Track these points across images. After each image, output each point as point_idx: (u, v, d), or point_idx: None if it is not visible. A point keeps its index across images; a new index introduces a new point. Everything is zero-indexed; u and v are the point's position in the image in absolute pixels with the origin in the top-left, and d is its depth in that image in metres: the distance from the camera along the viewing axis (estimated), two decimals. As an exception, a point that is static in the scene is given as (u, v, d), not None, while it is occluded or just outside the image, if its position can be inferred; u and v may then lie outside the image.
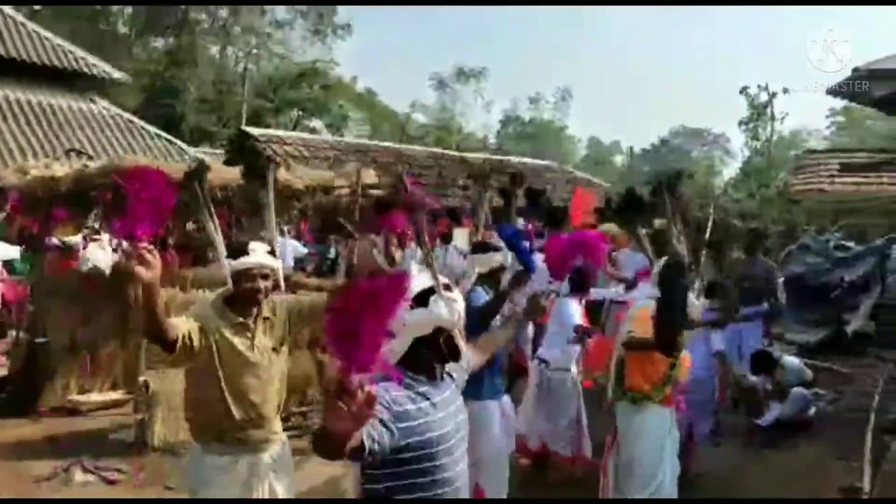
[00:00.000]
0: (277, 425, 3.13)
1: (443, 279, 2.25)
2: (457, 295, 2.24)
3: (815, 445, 6.02)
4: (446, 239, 8.08)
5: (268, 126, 27.65)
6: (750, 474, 5.47)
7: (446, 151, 20.18)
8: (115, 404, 6.83)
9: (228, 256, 2.95)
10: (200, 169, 3.96)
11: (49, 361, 6.73)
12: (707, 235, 4.48)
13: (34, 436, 6.05)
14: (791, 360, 6.75)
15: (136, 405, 5.70)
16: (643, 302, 4.03)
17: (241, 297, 2.95)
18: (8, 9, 14.88)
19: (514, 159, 20.62)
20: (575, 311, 5.14)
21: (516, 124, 53.18)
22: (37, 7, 30.61)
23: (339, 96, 40.44)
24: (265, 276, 2.98)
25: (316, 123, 39.03)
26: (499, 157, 21.77)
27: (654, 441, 3.97)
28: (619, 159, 63.45)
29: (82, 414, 6.64)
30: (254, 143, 13.84)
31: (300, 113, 38.43)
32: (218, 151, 19.58)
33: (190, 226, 9.01)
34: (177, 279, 7.09)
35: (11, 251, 8.93)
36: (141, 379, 5.60)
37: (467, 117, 51.19)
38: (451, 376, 2.35)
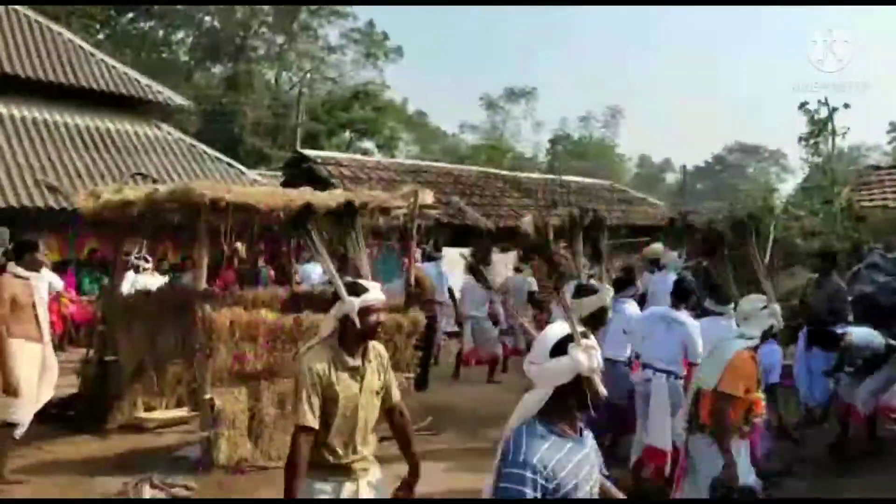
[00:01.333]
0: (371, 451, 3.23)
1: (580, 327, 2.31)
2: (594, 342, 2.29)
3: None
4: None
5: (321, 148, 28.16)
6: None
7: (498, 171, 20.17)
8: (180, 422, 6.99)
9: (351, 294, 3.04)
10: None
11: (117, 380, 6.91)
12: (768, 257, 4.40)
13: (103, 453, 6.21)
14: (859, 330, 6.41)
15: (201, 423, 5.80)
16: (737, 344, 3.96)
17: (362, 333, 3.07)
18: (76, 38, 15.56)
19: (569, 178, 20.51)
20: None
21: (566, 143, 52.95)
22: (100, 36, 31.94)
23: (391, 118, 40.94)
24: (380, 311, 3.14)
25: (368, 145, 39.60)
26: (552, 176, 21.70)
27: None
28: (670, 177, 62.55)
29: (149, 431, 6.81)
30: (311, 164, 14.11)
31: (353, 135, 39.06)
32: (275, 174, 20.00)
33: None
34: (239, 299, 7.26)
35: (56, 281, 9.19)
36: (206, 397, 5.70)
37: (517, 137, 51.30)
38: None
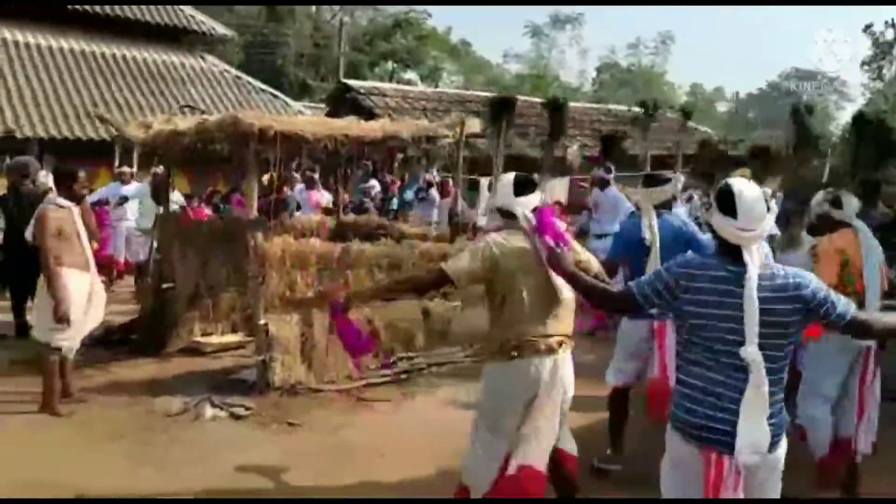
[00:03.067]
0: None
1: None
2: None
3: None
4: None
5: (364, 79, 27.90)
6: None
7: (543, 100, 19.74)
8: (235, 346, 7.24)
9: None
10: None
11: (174, 307, 7.16)
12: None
13: (163, 374, 6.48)
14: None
15: (256, 347, 6.00)
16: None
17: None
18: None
19: (615, 107, 20.03)
20: None
21: (614, 71, 51.47)
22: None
23: (433, 48, 40.23)
24: None
25: (411, 76, 39.11)
26: (597, 105, 21.20)
27: None
28: (721, 106, 60.56)
29: (205, 355, 7.06)
30: (355, 95, 14.02)
31: (395, 66, 38.57)
32: (318, 105, 19.97)
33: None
34: (288, 227, 7.42)
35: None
36: (261, 322, 5.87)
37: (563, 65, 50.05)
38: None
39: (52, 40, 13.22)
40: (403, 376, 6.43)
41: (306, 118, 6.75)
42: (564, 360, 3.26)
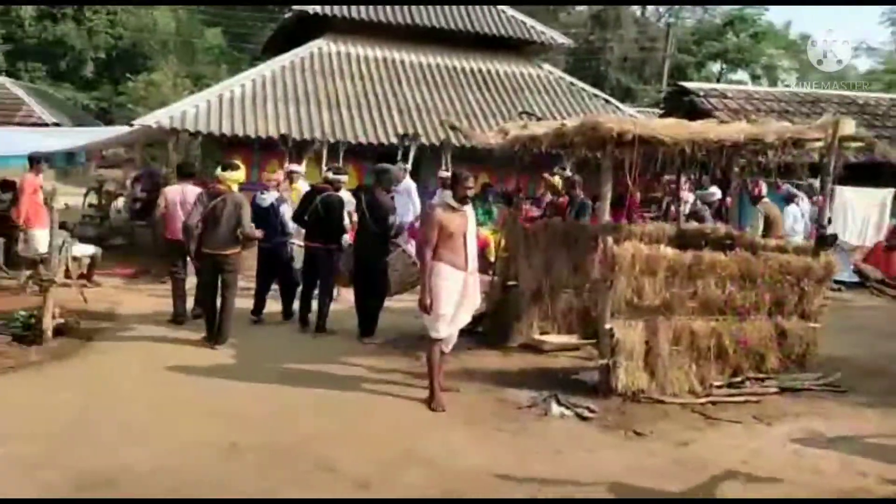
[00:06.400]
0: None
1: None
2: None
3: None
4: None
5: (690, 80, 26.79)
6: None
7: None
8: (572, 348, 7.37)
9: None
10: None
11: (518, 303, 7.52)
12: None
13: (507, 367, 6.83)
14: None
15: (601, 350, 6.02)
16: None
17: None
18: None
19: None
20: None
21: None
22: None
23: (769, 44, 37.23)
24: None
25: (741, 75, 36.69)
26: None
27: None
28: None
29: (543, 353, 7.29)
30: (692, 97, 13.50)
31: (724, 66, 36.50)
32: (645, 109, 19.64)
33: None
34: (628, 233, 7.34)
35: None
36: (607, 326, 5.88)
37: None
38: None
39: (414, 55, 14.82)
40: (754, 399, 5.99)
41: (662, 121, 6.59)
42: None
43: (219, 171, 7.12)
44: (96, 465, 4.27)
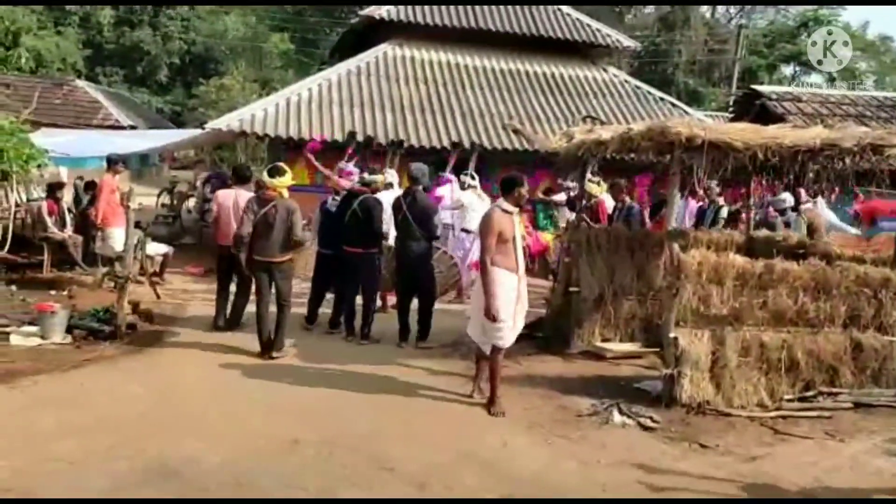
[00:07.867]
0: None
1: None
2: None
3: None
4: None
5: (760, 83, 26.03)
6: None
7: None
8: (634, 356, 7.23)
9: None
10: None
11: (579, 309, 7.41)
12: None
13: (568, 373, 6.73)
14: None
15: (665, 360, 5.89)
16: None
17: None
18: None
19: None
20: None
21: None
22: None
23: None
24: None
25: (815, 79, 35.41)
26: None
27: None
28: None
29: (604, 360, 7.17)
30: (764, 101, 13.11)
31: (798, 68, 35.32)
32: (713, 114, 19.16)
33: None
34: (694, 240, 7.16)
35: None
36: (671, 335, 5.75)
37: None
38: None
39: (477, 59, 14.83)
40: (826, 414, 5.75)
41: (734, 126, 6.42)
42: None
43: (265, 177, 6.90)
44: (163, 457, 4.41)
